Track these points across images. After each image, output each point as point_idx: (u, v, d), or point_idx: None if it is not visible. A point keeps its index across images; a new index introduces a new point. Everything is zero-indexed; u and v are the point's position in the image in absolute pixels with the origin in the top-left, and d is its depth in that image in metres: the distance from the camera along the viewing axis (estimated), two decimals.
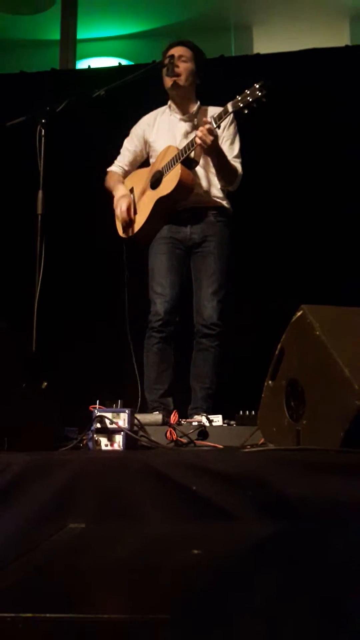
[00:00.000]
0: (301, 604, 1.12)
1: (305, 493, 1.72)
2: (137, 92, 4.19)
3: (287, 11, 7.52)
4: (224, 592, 1.19)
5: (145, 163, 4.33)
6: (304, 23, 7.38)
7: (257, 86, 3.56)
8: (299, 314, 2.43)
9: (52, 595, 1.20)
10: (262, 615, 1.07)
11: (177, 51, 4.08)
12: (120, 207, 4.13)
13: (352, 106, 5.50)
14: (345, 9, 7.59)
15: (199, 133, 3.72)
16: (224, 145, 4.03)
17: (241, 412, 3.35)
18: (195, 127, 3.97)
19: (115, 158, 4.37)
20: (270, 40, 7.51)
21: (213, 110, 4.01)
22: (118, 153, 4.37)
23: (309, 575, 1.28)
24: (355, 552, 1.46)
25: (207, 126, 3.69)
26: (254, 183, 4.39)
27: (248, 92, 3.58)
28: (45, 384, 2.73)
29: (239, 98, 3.61)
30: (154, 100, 4.28)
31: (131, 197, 4.18)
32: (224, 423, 3.33)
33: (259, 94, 3.54)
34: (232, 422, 3.36)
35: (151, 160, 4.23)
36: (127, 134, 4.35)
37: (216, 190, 4.08)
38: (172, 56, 4.02)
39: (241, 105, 3.60)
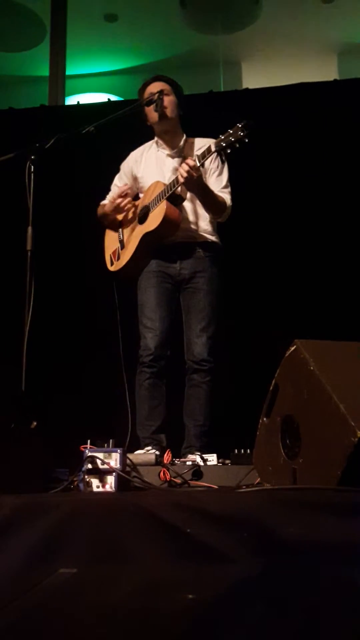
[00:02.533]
0: None
1: (302, 533, 1.68)
2: (126, 127, 4.18)
3: (275, 46, 7.62)
4: (214, 635, 1.16)
5: (135, 197, 4.33)
6: (292, 58, 7.47)
7: (240, 126, 3.56)
8: (292, 348, 2.40)
9: None
10: None
11: (157, 87, 4.10)
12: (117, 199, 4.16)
13: (341, 140, 5.53)
14: (333, 44, 7.68)
15: (181, 171, 3.73)
16: (211, 177, 4.05)
17: (236, 451, 3.31)
18: (183, 161, 3.98)
19: (104, 193, 4.37)
20: (259, 75, 7.58)
21: (199, 143, 4.05)
22: (107, 189, 4.37)
23: (298, 616, 1.24)
24: (347, 594, 1.43)
25: (191, 164, 3.70)
26: (245, 215, 4.39)
27: (230, 132, 3.59)
28: (35, 423, 2.68)
29: (222, 138, 3.62)
30: (144, 135, 4.29)
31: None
32: (218, 462, 3.30)
33: (241, 134, 3.54)
34: (227, 462, 3.32)
35: (140, 195, 4.23)
36: (116, 170, 4.36)
37: (205, 225, 4.07)
38: (161, 91, 4.03)
39: (224, 144, 3.60)
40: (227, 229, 4.19)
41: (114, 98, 7.15)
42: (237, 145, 3.58)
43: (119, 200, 4.18)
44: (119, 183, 4.34)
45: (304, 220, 5.50)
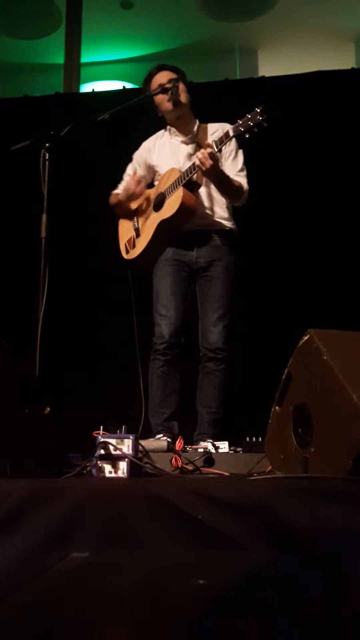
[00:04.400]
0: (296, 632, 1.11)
1: (312, 522, 1.69)
2: (141, 115, 4.18)
3: (292, 34, 7.58)
4: (225, 621, 1.16)
5: (148, 185, 4.31)
6: (309, 46, 7.43)
7: (258, 110, 3.55)
8: (305, 338, 2.40)
9: (55, 625, 1.18)
10: None
11: (166, 76, 4.09)
12: (129, 183, 4.13)
13: (358, 128, 5.50)
14: (350, 32, 7.64)
15: (199, 156, 3.71)
16: (227, 161, 4.04)
17: (248, 439, 3.32)
18: (198, 148, 3.97)
19: (118, 181, 4.35)
20: (275, 63, 7.55)
21: (213, 128, 4.04)
22: (122, 176, 4.35)
23: (310, 604, 1.25)
24: (357, 582, 1.44)
25: (208, 150, 3.69)
26: (260, 204, 4.36)
27: (249, 117, 3.58)
28: (48, 409, 2.70)
29: (240, 122, 3.61)
30: (158, 123, 4.28)
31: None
32: (230, 450, 3.31)
33: (260, 118, 3.53)
34: (238, 449, 3.33)
35: (155, 183, 4.22)
36: (131, 157, 4.35)
37: (221, 211, 4.06)
38: (176, 79, 4.02)
39: (242, 129, 3.59)
40: (241, 216, 4.18)
41: (129, 86, 7.12)
42: (256, 130, 3.57)
43: (134, 187, 4.16)
44: (131, 172, 4.33)
45: (319, 208, 5.49)
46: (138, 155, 4.31)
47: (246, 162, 4.12)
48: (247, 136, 3.61)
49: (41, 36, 7.89)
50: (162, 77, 4.09)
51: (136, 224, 4.22)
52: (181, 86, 4.06)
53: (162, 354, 3.95)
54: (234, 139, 3.97)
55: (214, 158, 3.72)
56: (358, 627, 1.16)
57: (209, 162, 3.70)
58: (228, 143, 3.92)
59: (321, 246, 5.41)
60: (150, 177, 4.29)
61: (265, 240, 5.37)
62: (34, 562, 1.64)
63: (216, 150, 3.71)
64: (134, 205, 4.24)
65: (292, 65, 6.53)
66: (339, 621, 1.18)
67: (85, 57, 7.43)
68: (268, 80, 6.02)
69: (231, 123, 3.68)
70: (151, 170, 4.25)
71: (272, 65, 7.51)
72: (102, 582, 1.48)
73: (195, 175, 3.85)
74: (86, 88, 7.55)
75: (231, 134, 3.65)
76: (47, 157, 3.74)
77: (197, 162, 3.72)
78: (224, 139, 3.70)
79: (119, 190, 4.32)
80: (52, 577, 1.53)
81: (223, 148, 3.85)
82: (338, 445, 2.10)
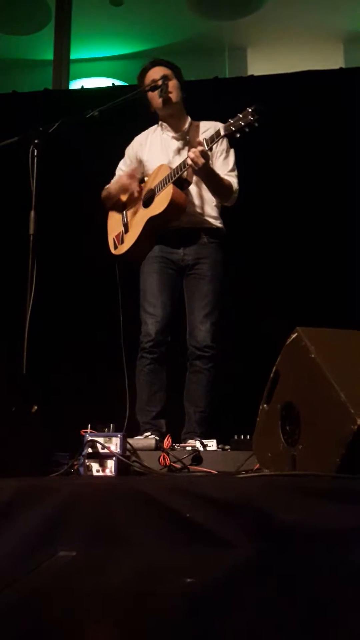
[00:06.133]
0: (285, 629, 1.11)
1: (301, 519, 1.69)
2: (130, 112, 4.17)
3: (281, 33, 7.59)
4: (214, 621, 1.16)
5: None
6: (298, 45, 7.44)
7: (250, 110, 3.54)
8: (293, 336, 2.40)
9: (41, 624, 1.17)
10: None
11: (159, 72, 4.08)
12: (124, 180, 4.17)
13: (346, 128, 5.51)
14: (339, 32, 7.66)
15: (190, 154, 3.71)
16: (218, 160, 4.04)
17: (236, 437, 3.32)
18: (187, 144, 3.97)
19: (107, 178, 4.35)
20: (265, 62, 7.55)
21: (205, 126, 4.05)
22: (110, 173, 4.35)
23: (299, 603, 1.25)
24: (345, 579, 1.44)
25: (200, 148, 3.68)
26: (249, 203, 4.36)
27: (240, 116, 3.57)
28: (36, 407, 2.69)
29: (231, 122, 3.60)
30: (147, 120, 4.28)
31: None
32: (218, 448, 3.31)
33: (251, 118, 3.53)
34: (226, 447, 3.33)
35: (145, 179, 4.22)
36: (120, 154, 4.35)
37: (210, 210, 4.06)
38: (166, 76, 4.01)
39: (233, 129, 3.59)
40: (230, 215, 4.18)
41: (118, 83, 7.12)
42: (247, 130, 3.56)
43: (127, 181, 4.16)
44: (124, 167, 4.32)
45: (306, 208, 5.50)
46: (130, 150, 4.31)
47: (237, 162, 4.12)
48: (238, 136, 3.61)
49: (30, 32, 7.85)
50: (155, 73, 4.07)
51: (125, 219, 4.21)
52: (173, 83, 4.05)
53: (149, 352, 3.95)
54: (225, 139, 3.98)
55: (206, 156, 3.71)
56: (348, 625, 1.16)
57: (200, 161, 3.69)
58: (220, 142, 3.92)
59: (310, 245, 5.43)
60: (141, 172, 4.28)
61: (253, 239, 5.38)
62: (21, 561, 1.64)
63: (207, 148, 3.70)
64: (123, 197, 4.23)
65: (281, 64, 6.53)
66: (329, 620, 1.18)
67: (74, 54, 7.40)
68: (257, 79, 6.03)
69: (221, 121, 3.68)
70: (142, 165, 4.25)
71: (262, 64, 7.51)
72: (90, 581, 1.48)
73: (186, 172, 3.85)
74: (75, 85, 7.54)
75: (222, 133, 3.64)
76: (35, 154, 3.73)
77: (189, 161, 3.72)
78: (215, 138, 3.70)
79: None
80: (39, 576, 1.52)
81: (214, 147, 3.86)
82: (326, 443, 2.11)
